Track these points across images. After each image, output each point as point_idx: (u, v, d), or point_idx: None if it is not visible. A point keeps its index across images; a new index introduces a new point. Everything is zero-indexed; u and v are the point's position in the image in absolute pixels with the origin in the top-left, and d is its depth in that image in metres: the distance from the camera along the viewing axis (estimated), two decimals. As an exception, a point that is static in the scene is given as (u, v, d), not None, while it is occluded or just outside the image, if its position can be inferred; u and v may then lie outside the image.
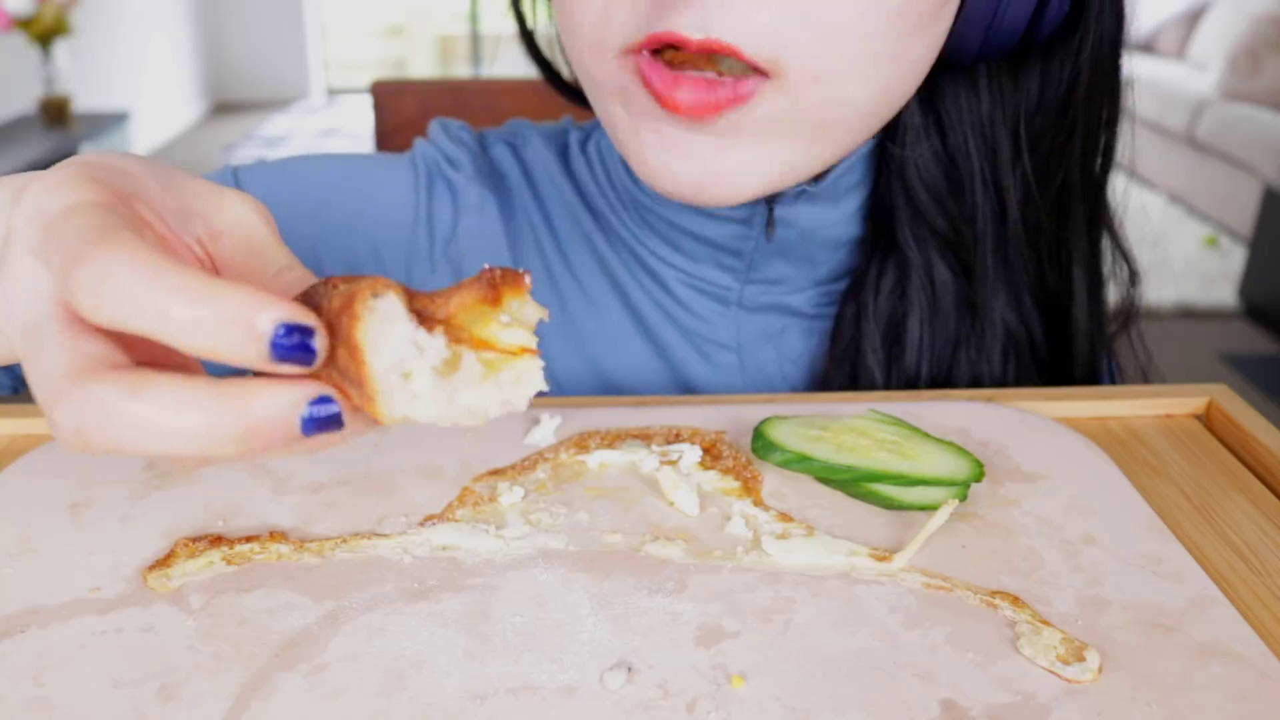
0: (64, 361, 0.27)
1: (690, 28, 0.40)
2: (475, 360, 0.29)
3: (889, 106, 0.47)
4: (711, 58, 0.42)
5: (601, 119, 0.49)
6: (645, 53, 0.42)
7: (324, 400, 0.27)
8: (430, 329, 0.29)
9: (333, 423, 0.28)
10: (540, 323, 0.33)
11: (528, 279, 0.31)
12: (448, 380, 0.29)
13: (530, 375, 0.30)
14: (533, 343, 0.30)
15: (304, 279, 0.31)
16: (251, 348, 0.26)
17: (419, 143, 0.62)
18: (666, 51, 0.42)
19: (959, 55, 0.48)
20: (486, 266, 0.31)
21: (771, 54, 0.41)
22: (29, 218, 0.29)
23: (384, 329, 0.28)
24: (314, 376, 0.28)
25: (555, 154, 0.61)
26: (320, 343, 0.27)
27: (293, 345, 0.26)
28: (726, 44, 0.40)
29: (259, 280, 0.31)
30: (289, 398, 0.27)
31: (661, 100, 0.42)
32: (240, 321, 0.26)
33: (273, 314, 0.26)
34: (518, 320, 0.30)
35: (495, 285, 0.30)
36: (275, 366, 0.27)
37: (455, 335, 0.30)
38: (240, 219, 0.32)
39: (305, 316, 0.27)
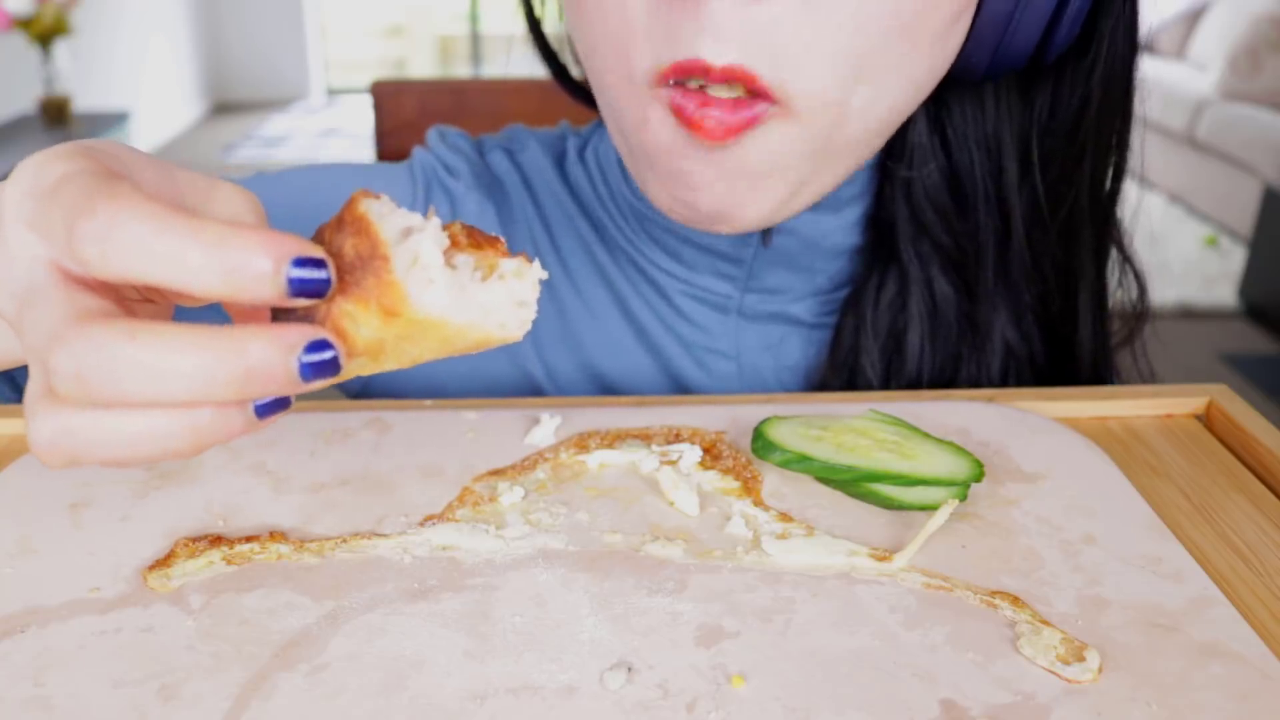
0: (63, 311, 0.27)
1: (713, 52, 0.40)
2: (471, 263, 0.30)
3: (893, 125, 0.47)
4: (730, 84, 0.41)
5: (615, 139, 0.48)
6: (673, 84, 0.42)
7: (321, 344, 0.28)
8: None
9: (330, 367, 0.28)
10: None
11: (502, 246, 0.31)
12: (453, 274, 0.29)
13: (526, 270, 0.31)
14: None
15: None
16: (268, 286, 0.27)
17: (417, 151, 0.61)
18: (692, 80, 0.41)
19: (967, 74, 0.48)
20: (459, 221, 0.31)
21: (783, 81, 0.41)
22: (22, 190, 0.29)
23: (385, 210, 0.29)
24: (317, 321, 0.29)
25: (552, 161, 0.61)
26: (331, 273, 0.28)
27: (307, 279, 0.27)
28: (744, 69, 0.40)
29: None
30: (287, 341, 0.27)
31: (692, 126, 0.42)
32: (256, 261, 0.27)
33: (286, 250, 0.27)
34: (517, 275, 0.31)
35: (465, 230, 0.31)
36: (291, 302, 0.27)
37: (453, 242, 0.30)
38: (233, 209, 0.32)
39: (314, 250, 0.28)
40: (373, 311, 0.28)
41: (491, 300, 0.30)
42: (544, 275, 0.31)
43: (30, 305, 0.28)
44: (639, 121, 0.44)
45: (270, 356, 0.27)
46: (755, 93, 0.41)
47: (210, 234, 0.26)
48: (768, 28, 0.40)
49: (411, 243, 0.28)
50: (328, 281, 0.28)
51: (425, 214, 0.29)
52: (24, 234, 0.29)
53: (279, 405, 0.30)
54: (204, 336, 0.27)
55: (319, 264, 0.28)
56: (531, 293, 0.31)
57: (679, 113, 0.42)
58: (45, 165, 0.29)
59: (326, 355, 0.28)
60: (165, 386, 0.26)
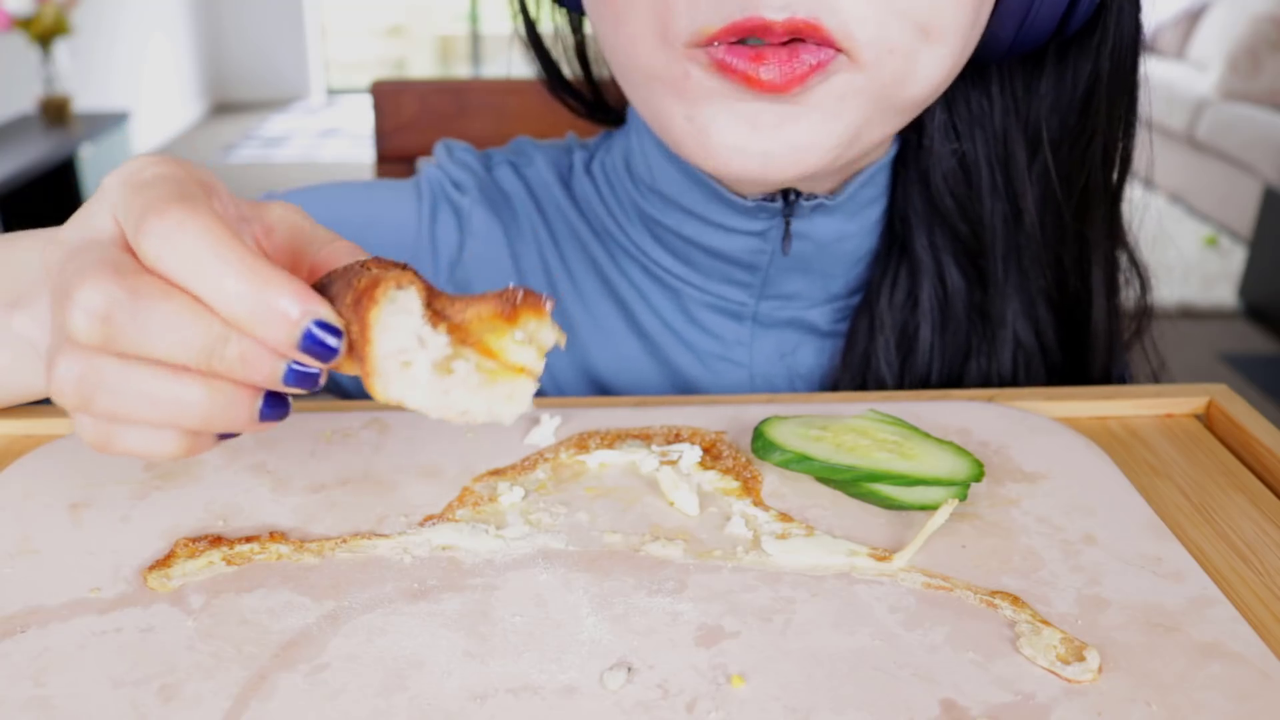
0: (109, 258, 0.31)
1: (772, 9, 0.40)
2: (474, 368, 0.32)
3: (941, 90, 0.46)
4: (791, 39, 0.41)
5: (643, 108, 0.47)
6: (719, 44, 0.41)
7: (331, 328, 0.31)
8: (437, 326, 0.32)
9: (325, 352, 0.31)
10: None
11: (549, 305, 0.33)
12: (444, 378, 0.32)
13: (520, 395, 0.33)
14: (537, 366, 0.33)
15: (351, 249, 0.35)
16: (284, 334, 0.30)
17: (425, 167, 0.61)
18: (751, 40, 0.41)
19: (986, 51, 0.48)
20: (511, 286, 0.33)
21: (849, 31, 0.41)
22: (121, 178, 0.32)
23: (396, 319, 0.31)
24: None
25: (557, 176, 0.60)
26: (341, 346, 0.31)
27: (319, 342, 0.30)
28: (808, 21, 0.40)
29: (311, 254, 0.36)
30: (308, 304, 0.30)
31: (749, 82, 0.41)
32: (283, 308, 0.30)
33: (312, 309, 0.30)
34: (533, 340, 0.33)
35: (514, 305, 0.33)
36: (297, 355, 0.30)
37: (464, 338, 0.32)
38: (284, 216, 0.36)
39: (337, 320, 0.31)
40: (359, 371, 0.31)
41: (469, 406, 0.32)
42: (529, 409, 0.34)
43: (81, 251, 0.31)
44: (678, 77, 0.43)
45: (287, 309, 0.30)
46: (821, 42, 0.41)
47: (255, 271, 0.30)
48: None
49: (404, 353, 0.31)
50: (334, 353, 0.31)
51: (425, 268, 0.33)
52: (104, 216, 0.32)
53: (281, 408, 0.33)
54: (248, 260, 0.30)
55: (335, 333, 0.30)
56: (508, 417, 0.33)
57: (727, 70, 0.41)
58: (147, 165, 0.32)
59: (330, 340, 0.31)
60: (201, 272, 0.30)
